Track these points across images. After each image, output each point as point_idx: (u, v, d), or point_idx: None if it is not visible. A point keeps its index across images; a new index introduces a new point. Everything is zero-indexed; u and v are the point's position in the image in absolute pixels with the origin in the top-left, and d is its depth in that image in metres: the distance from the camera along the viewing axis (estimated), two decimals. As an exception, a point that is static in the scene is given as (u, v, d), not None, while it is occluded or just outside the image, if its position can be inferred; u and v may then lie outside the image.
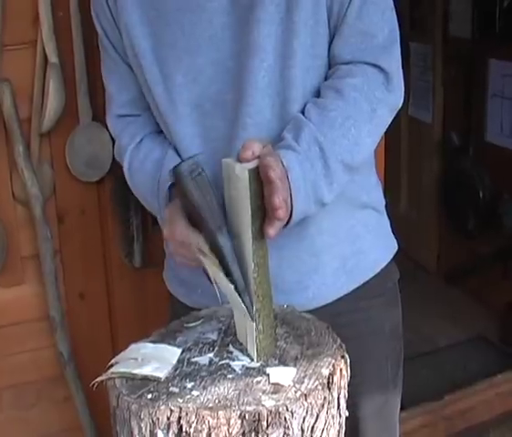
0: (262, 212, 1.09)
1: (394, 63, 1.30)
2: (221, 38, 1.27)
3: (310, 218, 1.29)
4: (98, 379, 1.09)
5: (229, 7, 1.25)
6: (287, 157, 1.16)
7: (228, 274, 1.10)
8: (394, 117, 1.34)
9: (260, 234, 1.09)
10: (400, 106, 1.33)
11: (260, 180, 1.08)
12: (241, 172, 1.07)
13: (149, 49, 1.32)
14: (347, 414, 1.10)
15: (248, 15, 1.24)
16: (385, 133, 1.35)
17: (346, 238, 1.39)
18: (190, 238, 1.14)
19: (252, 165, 1.08)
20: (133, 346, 1.16)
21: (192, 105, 1.31)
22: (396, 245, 1.51)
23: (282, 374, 1.04)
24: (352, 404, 1.13)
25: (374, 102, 1.26)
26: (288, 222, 1.16)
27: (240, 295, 1.10)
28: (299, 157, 1.18)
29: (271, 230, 1.09)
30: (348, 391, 1.09)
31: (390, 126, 1.34)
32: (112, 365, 1.11)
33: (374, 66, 1.27)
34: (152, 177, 1.35)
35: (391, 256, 1.49)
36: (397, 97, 1.32)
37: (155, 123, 1.42)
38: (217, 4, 1.26)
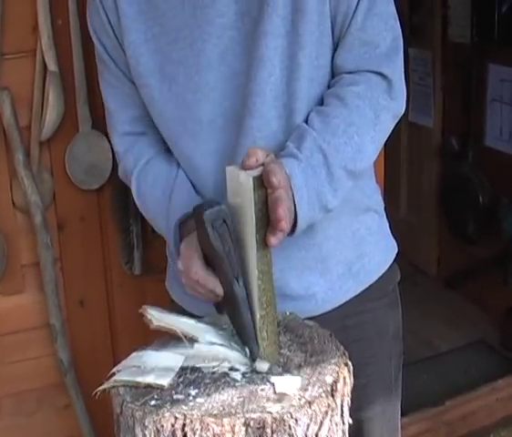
0: (266, 219, 1.09)
1: (396, 70, 1.30)
2: (231, 53, 1.25)
3: (316, 227, 1.29)
4: (101, 387, 1.09)
5: (238, 22, 1.24)
6: (289, 165, 1.16)
7: (240, 321, 1.12)
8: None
9: (264, 241, 1.09)
10: (402, 113, 1.33)
11: (264, 188, 1.08)
12: (246, 179, 1.07)
13: (157, 68, 1.29)
14: (351, 422, 1.09)
15: (255, 29, 1.23)
16: (385, 138, 1.35)
17: (351, 243, 1.39)
18: (206, 281, 1.15)
19: (257, 172, 1.08)
20: (135, 354, 1.15)
21: (205, 122, 1.29)
22: (397, 246, 1.52)
23: (288, 384, 1.04)
24: (357, 406, 1.12)
25: (378, 109, 1.26)
26: (293, 230, 1.16)
27: (248, 343, 1.12)
28: (301, 164, 1.17)
29: (274, 240, 1.09)
30: (353, 393, 1.09)
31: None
32: (114, 373, 1.10)
33: (377, 73, 1.27)
34: (162, 204, 1.34)
35: (393, 257, 1.50)
36: (400, 104, 1.32)
37: (161, 141, 1.39)
38: (226, 19, 1.24)
